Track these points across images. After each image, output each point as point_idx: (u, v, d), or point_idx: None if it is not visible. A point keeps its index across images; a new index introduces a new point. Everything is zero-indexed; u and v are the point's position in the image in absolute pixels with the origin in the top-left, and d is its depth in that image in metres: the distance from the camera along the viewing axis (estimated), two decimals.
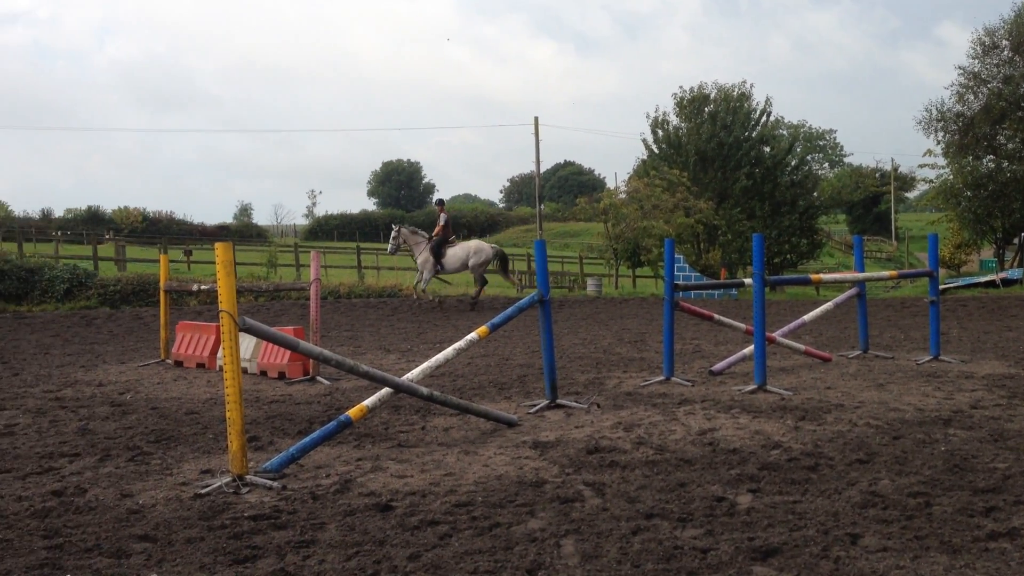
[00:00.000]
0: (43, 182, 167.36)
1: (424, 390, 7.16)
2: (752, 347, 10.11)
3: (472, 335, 7.96)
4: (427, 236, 21.29)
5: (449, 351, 7.76)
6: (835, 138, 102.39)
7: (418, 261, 21.25)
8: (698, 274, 31.92)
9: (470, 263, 21.24)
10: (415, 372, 7.45)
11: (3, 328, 17.62)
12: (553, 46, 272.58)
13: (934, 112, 33.20)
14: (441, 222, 21.28)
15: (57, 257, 28.89)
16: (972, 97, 32.56)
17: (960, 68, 32.64)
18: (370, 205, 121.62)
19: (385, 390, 7.06)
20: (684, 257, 32.76)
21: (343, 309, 22.75)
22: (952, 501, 5.15)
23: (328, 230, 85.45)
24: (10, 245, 33.58)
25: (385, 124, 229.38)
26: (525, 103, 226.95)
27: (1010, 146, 33.11)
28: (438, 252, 20.88)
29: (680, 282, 11.28)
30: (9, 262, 22.59)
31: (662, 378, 10.25)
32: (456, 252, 21.16)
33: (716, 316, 10.89)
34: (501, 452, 6.71)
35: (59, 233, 54.40)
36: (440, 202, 22.75)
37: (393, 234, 21.33)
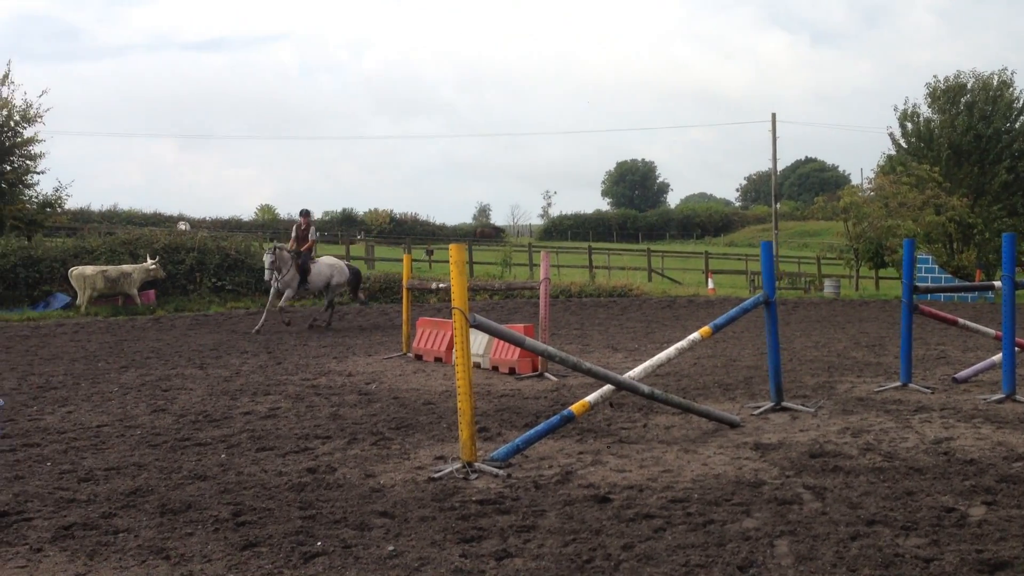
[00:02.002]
0: (303, 187, 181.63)
1: (645, 388, 7.29)
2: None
3: (695, 335, 8.01)
4: (292, 252, 18.65)
5: (671, 351, 7.85)
6: None
7: (284, 279, 18.37)
8: (948, 276, 29.88)
9: (332, 282, 19.23)
10: (637, 370, 7.60)
11: (270, 321, 19.43)
12: (785, 38, 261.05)
13: None
14: (312, 236, 19.15)
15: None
16: None
17: None
18: (603, 205, 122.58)
19: (607, 387, 7.27)
20: (934, 258, 30.74)
21: (574, 308, 23.28)
22: None
23: (562, 230, 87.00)
24: None
25: (615, 125, 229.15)
26: (757, 98, 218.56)
27: None
28: (304, 268, 18.53)
29: (926, 283, 10.71)
30: None
31: (898, 384, 9.80)
32: (321, 269, 19.04)
33: (961, 320, 10.26)
34: (721, 452, 6.74)
35: (317, 234, 58.81)
36: (306, 212, 19.50)
37: (272, 259, 17.98)
